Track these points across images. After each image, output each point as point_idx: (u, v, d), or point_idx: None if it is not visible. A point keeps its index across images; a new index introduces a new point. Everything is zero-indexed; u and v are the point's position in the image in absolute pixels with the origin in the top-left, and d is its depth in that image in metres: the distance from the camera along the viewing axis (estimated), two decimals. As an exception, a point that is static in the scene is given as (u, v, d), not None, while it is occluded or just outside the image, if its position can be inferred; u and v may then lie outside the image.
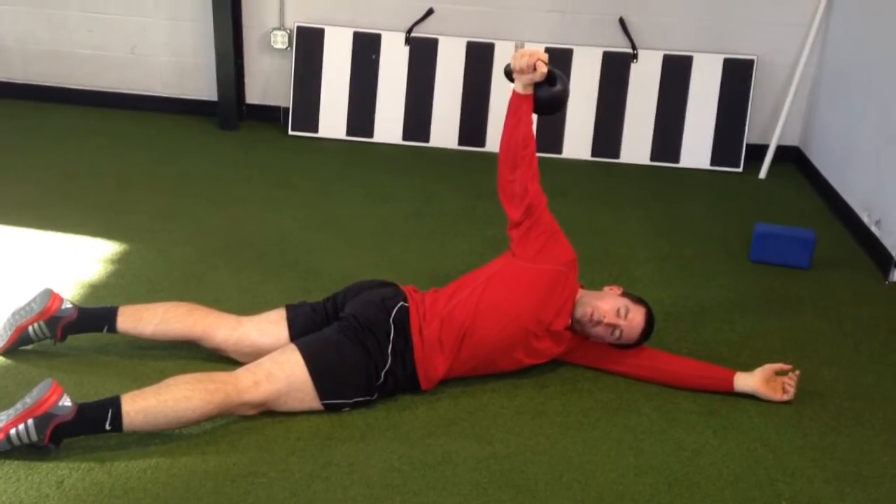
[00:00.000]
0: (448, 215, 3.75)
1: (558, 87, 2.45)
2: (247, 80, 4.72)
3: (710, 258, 3.47)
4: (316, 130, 4.62)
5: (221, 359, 2.47)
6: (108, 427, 2.08)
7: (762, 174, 4.46)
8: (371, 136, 4.60)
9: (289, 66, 4.62)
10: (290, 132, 4.62)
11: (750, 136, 4.52)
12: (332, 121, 4.60)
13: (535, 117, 2.53)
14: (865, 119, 3.86)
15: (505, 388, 2.50)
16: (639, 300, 2.53)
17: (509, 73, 2.49)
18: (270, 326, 2.45)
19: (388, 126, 4.59)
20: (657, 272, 3.32)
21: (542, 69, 2.40)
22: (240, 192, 3.86)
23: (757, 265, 3.41)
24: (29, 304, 2.47)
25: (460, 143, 4.59)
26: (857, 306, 3.15)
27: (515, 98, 2.48)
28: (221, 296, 2.89)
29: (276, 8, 4.56)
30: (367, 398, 2.34)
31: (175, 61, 4.73)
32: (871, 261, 3.53)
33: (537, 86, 2.46)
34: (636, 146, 4.53)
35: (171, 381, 2.17)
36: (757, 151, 4.52)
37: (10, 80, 4.84)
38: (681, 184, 4.33)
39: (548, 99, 2.47)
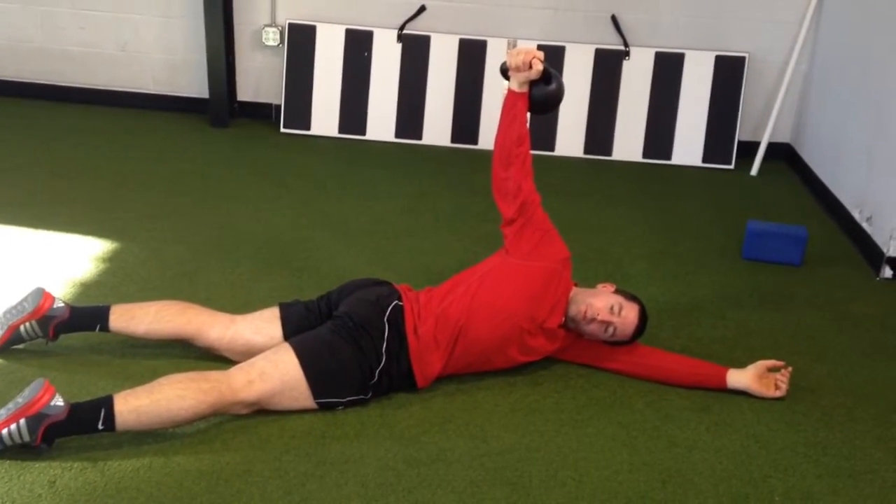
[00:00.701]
0: (441, 213, 3.75)
1: (553, 85, 2.45)
2: (238, 77, 4.70)
3: (702, 255, 3.48)
4: (308, 128, 4.61)
5: (214, 358, 2.46)
6: (100, 426, 2.07)
7: (754, 171, 4.48)
8: (363, 133, 4.59)
9: (280, 63, 4.61)
10: (282, 129, 4.61)
11: (741, 133, 4.54)
12: (325, 118, 4.59)
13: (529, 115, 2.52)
14: (857, 116, 3.87)
15: (499, 385, 2.50)
16: (632, 297, 2.53)
17: (505, 71, 2.48)
18: (264, 325, 2.45)
19: (381, 123, 4.58)
20: (650, 269, 3.33)
21: (538, 67, 2.40)
22: (232, 189, 3.85)
23: (749, 262, 3.42)
24: (21, 303, 2.45)
25: (453, 141, 4.59)
26: (848, 303, 3.16)
27: (510, 96, 2.48)
28: (214, 294, 2.88)
29: (267, 5, 4.55)
30: (362, 397, 2.34)
31: (166, 58, 4.72)
32: (862, 257, 3.54)
33: (533, 84, 2.46)
34: (628, 143, 4.54)
35: (163, 380, 2.16)
36: (748, 148, 4.53)
37: (1, 79, 4.81)
38: (673, 181, 4.34)
39: (543, 97, 2.47)
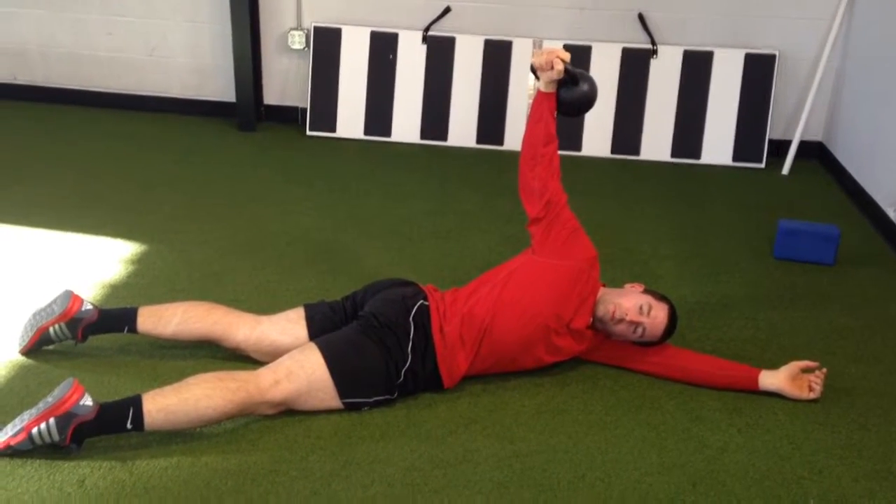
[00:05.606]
0: (467, 214, 3.73)
1: (584, 87, 2.43)
2: (265, 80, 4.73)
3: (733, 255, 3.43)
4: (334, 130, 4.62)
5: (241, 358, 2.47)
6: (129, 426, 2.08)
7: (785, 170, 4.41)
8: (389, 135, 4.59)
9: (306, 66, 4.62)
10: (308, 132, 4.62)
11: (772, 132, 4.47)
12: (350, 120, 4.60)
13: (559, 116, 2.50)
14: (891, 112, 3.80)
15: (526, 386, 2.48)
16: (661, 297, 2.50)
17: (535, 70, 2.47)
18: (289, 326, 2.45)
19: (406, 125, 4.58)
20: (679, 269, 3.29)
21: (559, 66, 2.38)
22: (258, 192, 3.87)
23: (781, 262, 3.36)
24: (50, 305, 2.48)
25: (478, 142, 4.57)
26: (883, 302, 3.10)
27: (538, 96, 2.47)
28: (241, 295, 2.89)
29: (293, 8, 4.57)
30: (388, 397, 2.33)
31: (193, 63, 4.75)
32: (897, 256, 3.48)
33: (562, 86, 2.44)
34: (657, 143, 4.49)
35: (192, 379, 2.17)
36: (780, 147, 4.47)
37: (31, 83, 4.89)
38: (702, 180, 4.28)
39: (570, 99, 2.44)
